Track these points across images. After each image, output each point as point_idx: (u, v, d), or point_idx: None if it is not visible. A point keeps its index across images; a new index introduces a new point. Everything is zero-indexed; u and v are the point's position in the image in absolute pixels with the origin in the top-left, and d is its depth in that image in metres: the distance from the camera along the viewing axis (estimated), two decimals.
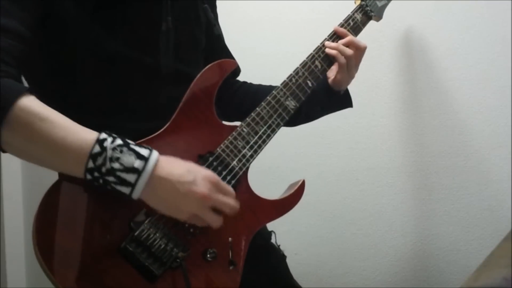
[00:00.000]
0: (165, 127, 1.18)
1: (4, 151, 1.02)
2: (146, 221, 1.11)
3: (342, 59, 1.41)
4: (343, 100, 1.53)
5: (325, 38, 1.44)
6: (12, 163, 2.14)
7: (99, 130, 1.08)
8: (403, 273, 1.98)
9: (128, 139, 1.13)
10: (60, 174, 1.09)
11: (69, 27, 1.15)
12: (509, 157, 1.83)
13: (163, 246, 1.11)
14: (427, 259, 1.95)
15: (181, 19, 1.31)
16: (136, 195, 1.02)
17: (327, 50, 1.41)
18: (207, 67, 1.26)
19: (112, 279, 1.07)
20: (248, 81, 1.61)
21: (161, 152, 1.13)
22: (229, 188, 1.12)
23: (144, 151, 1.02)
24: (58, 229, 1.04)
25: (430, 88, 1.92)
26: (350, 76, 1.47)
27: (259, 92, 1.39)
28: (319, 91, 1.47)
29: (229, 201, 1.11)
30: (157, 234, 1.11)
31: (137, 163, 1.00)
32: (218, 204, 1.09)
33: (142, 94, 1.24)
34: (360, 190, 2.03)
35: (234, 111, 1.47)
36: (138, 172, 1.00)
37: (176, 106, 1.22)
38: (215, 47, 1.47)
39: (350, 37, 1.43)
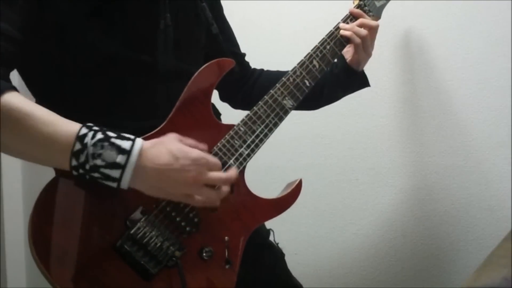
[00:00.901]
0: (161, 125, 1.18)
1: None
2: (142, 219, 1.11)
3: (357, 40, 1.45)
4: (361, 79, 1.58)
5: (325, 37, 1.44)
6: (12, 163, 2.15)
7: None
8: (403, 273, 1.98)
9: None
10: (57, 172, 1.10)
11: (66, 29, 1.15)
12: (509, 157, 1.83)
13: (159, 244, 1.11)
14: (427, 259, 1.95)
15: (179, 16, 1.31)
16: (123, 186, 1.01)
17: (341, 32, 1.44)
18: (204, 66, 1.26)
19: (108, 277, 1.07)
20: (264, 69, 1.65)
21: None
22: (216, 161, 1.10)
23: (126, 144, 1.01)
24: (54, 227, 1.05)
25: (430, 88, 1.92)
26: (368, 55, 1.52)
27: (280, 77, 1.40)
28: (338, 72, 1.52)
29: (221, 176, 1.09)
30: (153, 233, 1.11)
31: (119, 158, 0.99)
32: (211, 181, 1.08)
33: (141, 92, 1.24)
34: (360, 190, 2.02)
35: (257, 100, 1.48)
36: (121, 166, 0.99)
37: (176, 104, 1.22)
38: (213, 46, 1.47)
39: (361, 19, 1.48)
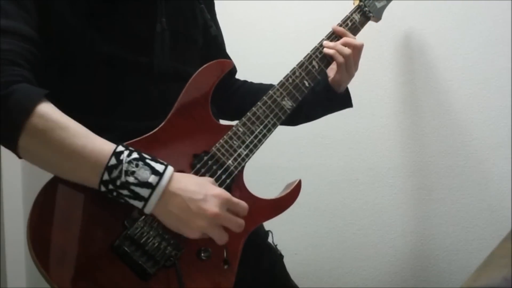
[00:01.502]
0: (160, 126, 1.18)
1: (20, 157, 1.03)
2: (140, 219, 1.11)
3: (340, 59, 1.42)
4: (343, 100, 1.54)
5: (323, 38, 1.44)
6: (12, 163, 2.15)
7: (98, 130, 1.09)
8: (403, 273, 1.98)
9: (126, 138, 1.14)
10: None
11: (64, 31, 1.16)
12: (509, 157, 1.83)
13: (156, 244, 1.11)
14: (427, 259, 1.95)
15: (176, 19, 1.31)
16: (148, 209, 1.03)
17: (325, 50, 1.42)
18: (203, 66, 1.26)
19: (106, 276, 1.07)
20: (248, 81, 1.61)
21: (156, 151, 1.14)
22: (241, 204, 1.12)
23: (159, 167, 1.03)
24: (52, 226, 1.05)
25: (430, 88, 1.92)
26: (350, 75, 1.48)
27: (260, 91, 1.39)
28: (319, 91, 1.48)
29: (238, 221, 1.11)
30: (151, 233, 1.11)
31: (152, 178, 1.01)
32: (228, 223, 1.09)
33: (138, 94, 1.24)
34: (360, 190, 2.02)
35: (235, 110, 1.47)
36: (152, 187, 1.01)
37: (174, 105, 1.22)
38: (211, 47, 1.47)
39: (346, 38, 1.44)
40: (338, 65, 1.43)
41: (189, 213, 1.05)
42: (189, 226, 1.06)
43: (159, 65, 1.26)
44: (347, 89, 1.53)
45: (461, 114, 1.89)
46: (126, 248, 1.08)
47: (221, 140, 1.23)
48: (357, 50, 1.45)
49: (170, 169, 1.04)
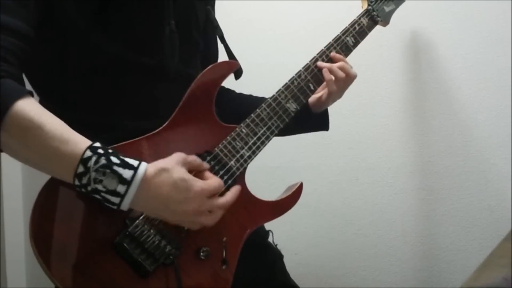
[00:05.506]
0: (163, 125, 1.18)
1: (1, 151, 1.03)
2: (141, 217, 1.11)
3: (330, 78, 1.39)
4: (319, 121, 1.53)
5: (342, 31, 1.45)
6: (12, 163, 2.14)
7: (99, 129, 1.09)
8: (403, 273, 1.98)
9: (129, 137, 1.14)
10: None
11: (69, 31, 1.16)
12: (509, 157, 1.83)
13: (156, 242, 1.12)
14: (427, 259, 1.95)
15: (182, 20, 1.31)
16: (124, 209, 1.03)
17: (319, 64, 1.39)
18: (209, 67, 1.26)
19: (105, 273, 1.08)
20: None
21: (158, 149, 1.14)
22: (217, 185, 1.11)
23: (127, 173, 1.00)
24: (53, 222, 1.06)
25: (430, 88, 1.92)
26: (332, 99, 1.46)
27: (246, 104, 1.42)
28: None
29: (220, 203, 1.11)
30: (151, 231, 1.12)
31: (119, 187, 1.00)
32: (210, 209, 1.10)
33: (143, 94, 1.24)
34: (360, 190, 2.02)
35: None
36: (120, 195, 1.00)
37: (177, 105, 1.22)
38: (215, 48, 1.47)
39: (343, 63, 1.41)
40: (328, 83, 1.40)
41: (167, 212, 1.06)
42: (169, 220, 1.09)
43: (168, 67, 1.25)
44: (326, 111, 1.51)
45: (461, 114, 1.89)
46: (126, 245, 1.09)
47: (224, 141, 1.23)
48: (349, 77, 1.42)
49: (139, 174, 1.01)
